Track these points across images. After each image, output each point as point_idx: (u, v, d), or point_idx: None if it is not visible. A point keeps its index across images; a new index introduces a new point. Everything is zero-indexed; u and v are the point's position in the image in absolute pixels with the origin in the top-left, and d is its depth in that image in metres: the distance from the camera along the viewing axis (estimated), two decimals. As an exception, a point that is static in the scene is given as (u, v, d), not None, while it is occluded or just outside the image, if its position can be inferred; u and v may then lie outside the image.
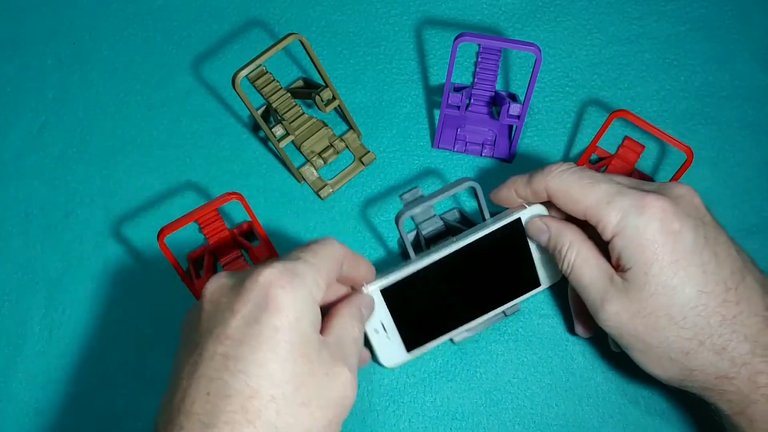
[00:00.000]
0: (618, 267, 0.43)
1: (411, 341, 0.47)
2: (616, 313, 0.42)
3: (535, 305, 0.52)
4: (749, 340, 0.40)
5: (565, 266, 0.45)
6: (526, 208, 0.47)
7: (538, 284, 0.49)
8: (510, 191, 0.47)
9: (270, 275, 0.37)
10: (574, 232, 0.45)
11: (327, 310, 0.41)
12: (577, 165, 0.52)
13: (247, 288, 0.37)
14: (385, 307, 0.46)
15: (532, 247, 0.48)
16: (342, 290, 0.45)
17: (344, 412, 0.38)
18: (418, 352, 0.48)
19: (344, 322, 0.40)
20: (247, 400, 0.35)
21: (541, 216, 0.46)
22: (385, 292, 0.45)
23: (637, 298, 0.41)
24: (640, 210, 0.41)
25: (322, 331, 0.39)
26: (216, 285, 0.39)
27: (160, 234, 0.46)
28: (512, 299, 0.49)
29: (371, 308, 0.45)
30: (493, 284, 0.48)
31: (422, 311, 0.47)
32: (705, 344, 0.40)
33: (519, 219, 0.47)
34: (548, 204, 0.47)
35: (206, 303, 0.39)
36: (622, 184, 0.43)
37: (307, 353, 0.36)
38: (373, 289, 0.45)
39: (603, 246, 0.44)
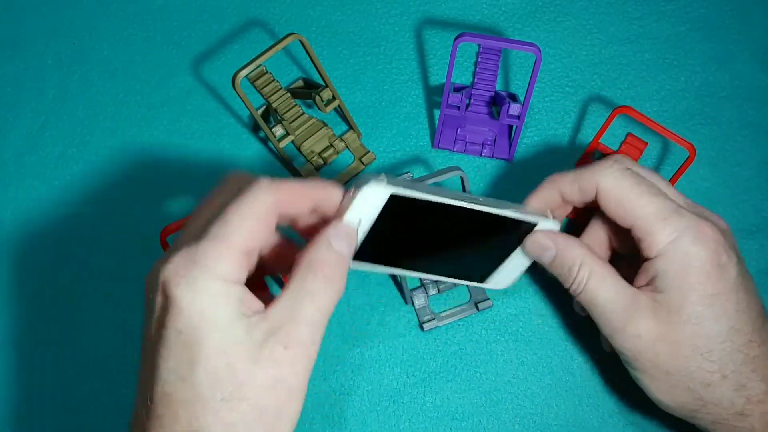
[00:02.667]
0: (650, 285, 0.41)
1: (363, 253, 0.40)
2: (638, 336, 0.41)
3: (534, 305, 0.52)
4: (766, 380, 0.40)
5: (575, 286, 0.42)
6: (548, 218, 0.43)
7: (483, 280, 0.46)
8: (552, 190, 0.44)
9: (167, 271, 0.33)
10: (583, 248, 0.42)
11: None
12: (579, 161, 0.52)
13: (153, 288, 0.34)
14: (380, 211, 0.38)
15: (518, 254, 0.45)
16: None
17: (286, 395, 0.34)
18: (360, 266, 0.41)
19: (300, 274, 0.35)
20: (166, 406, 0.34)
21: (545, 232, 0.43)
22: (392, 201, 0.38)
23: (666, 321, 0.40)
24: (695, 236, 0.40)
25: (283, 287, 0.36)
26: (149, 278, 0.36)
27: (163, 233, 0.46)
28: (458, 278, 0.46)
29: (350, 237, 0.37)
30: (458, 256, 0.45)
31: (394, 235, 0.42)
32: (728, 378, 0.40)
33: (534, 225, 0.43)
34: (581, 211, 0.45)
35: (146, 292, 0.36)
36: (677, 203, 0.41)
37: (223, 347, 0.33)
38: (386, 190, 0.37)
39: (614, 260, 0.43)
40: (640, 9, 0.61)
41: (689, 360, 0.40)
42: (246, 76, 0.49)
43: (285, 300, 0.35)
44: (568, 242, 0.43)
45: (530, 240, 0.43)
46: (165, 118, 0.59)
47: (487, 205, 0.42)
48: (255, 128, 0.58)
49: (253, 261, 0.36)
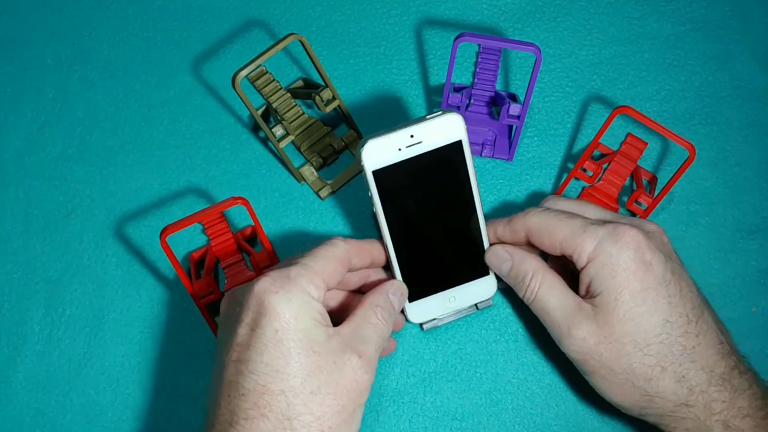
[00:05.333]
0: (588, 293, 0.44)
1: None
2: (582, 339, 0.43)
3: (535, 305, 0.52)
4: (706, 370, 0.42)
5: (528, 294, 0.46)
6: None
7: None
8: (489, 231, 0.48)
9: (264, 283, 0.41)
10: (537, 261, 0.47)
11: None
12: (580, 161, 0.52)
13: (246, 298, 0.41)
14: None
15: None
16: (374, 276, 0.49)
17: (358, 396, 0.41)
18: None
19: (364, 311, 0.44)
20: (259, 396, 0.39)
21: (503, 246, 0.48)
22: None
23: (604, 322, 0.43)
24: (615, 238, 0.43)
25: (345, 319, 0.43)
26: (227, 301, 0.45)
27: (163, 233, 0.46)
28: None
29: (403, 293, 0.47)
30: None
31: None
32: (667, 371, 0.42)
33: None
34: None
35: (222, 318, 0.45)
36: (598, 219, 0.46)
37: (311, 346, 0.40)
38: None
39: (566, 278, 0.46)
40: (640, 9, 0.61)
41: (631, 356, 0.42)
42: (246, 76, 0.49)
43: (352, 325, 0.43)
44: (524, 255, 0.47)
45: (490, 252, 0.48)
46: (165, 118, 0.59)
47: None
48: (255, 128, 0.58)
49: (328, 290, 0.44)
